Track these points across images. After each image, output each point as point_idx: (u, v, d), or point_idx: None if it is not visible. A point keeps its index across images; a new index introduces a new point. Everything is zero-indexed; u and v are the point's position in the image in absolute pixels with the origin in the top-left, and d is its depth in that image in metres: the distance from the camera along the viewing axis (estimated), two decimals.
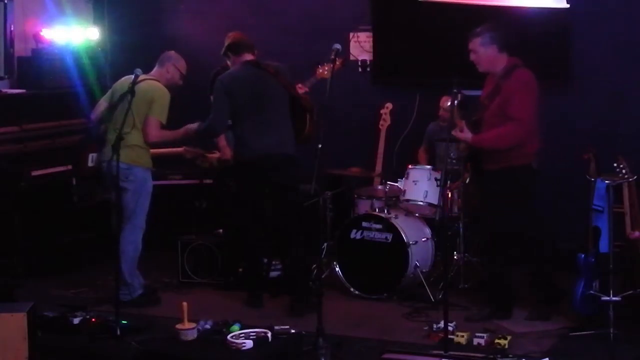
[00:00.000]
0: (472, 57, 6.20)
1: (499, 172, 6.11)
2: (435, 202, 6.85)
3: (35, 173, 7.53)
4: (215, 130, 6.82)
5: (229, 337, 5.31)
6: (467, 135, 6.13)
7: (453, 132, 6.12)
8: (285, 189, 6.60)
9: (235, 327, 5.48)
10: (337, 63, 6.38)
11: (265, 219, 6.76)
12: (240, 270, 7.19)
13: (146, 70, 6.77)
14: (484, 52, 6.14)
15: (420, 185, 6.99)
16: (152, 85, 6.70)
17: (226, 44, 6.79)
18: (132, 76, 6.30)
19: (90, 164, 7.58)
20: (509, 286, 6.36)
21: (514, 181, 6.10)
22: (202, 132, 6.80)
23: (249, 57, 6.71)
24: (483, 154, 6.20)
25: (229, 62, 6.83)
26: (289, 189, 6.60)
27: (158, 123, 6.69)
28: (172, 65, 6.90)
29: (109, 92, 6.97)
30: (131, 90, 6.24)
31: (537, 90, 6.13)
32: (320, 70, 6.91)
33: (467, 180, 6.95)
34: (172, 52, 7.01)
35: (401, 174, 7.23)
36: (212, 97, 6.75)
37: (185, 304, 5.43)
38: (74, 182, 7.81)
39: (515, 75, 6.09)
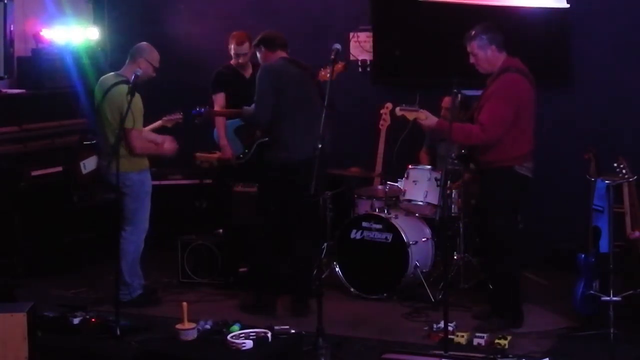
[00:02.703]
0: (471, 59, 6.17)
1: (484, 172, 6.15)
2: (435, 202, 6.86)
3: (35, 173, 7.53)
4: (259, 123, 6.62)
5: (229, 337, 5.30)
6: (430, 121, 6.15)
7: (418, 120, 6.18)
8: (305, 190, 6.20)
9: (235, 327, 5.47)
10: (339, 66, 6.39)
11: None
12: (245, 270, 7.19)
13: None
14: (483, 54, 6.11)
15: (420, 185, 6.99)
16: (123, 94, 6.41)
17: (261, 36, 6.62)
18: (110, 75, 6.50)
19: (84, 171, 7.58)
20: (515, 291, 6.24)
21: (491, 183, 6.09)
22: (246, 120, 6.67)
23: (283, 54, 6.59)
24: (475, 154, 6.20)
25: (259, 55, 6.67)
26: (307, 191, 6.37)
27: (138, 132, 6.61)
28: (145, 60, 6.70)
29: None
30: (131, 91, 6.24)
31: (523, 95, 6.02)
32: (322, 73, 6.92)
33: (467, 179, 6.94)
34: (144, 45, 6.81)
35: (401, 174, 7.22)
36: (257, 86, 6.46)
37: (185, 304, 5.42)
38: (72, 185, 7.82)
39: (499, 80, 6.04)
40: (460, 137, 6.08)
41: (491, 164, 6.07)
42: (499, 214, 6.05)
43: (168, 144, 6.87)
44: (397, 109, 6.24)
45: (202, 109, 7.25)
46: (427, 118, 6.19)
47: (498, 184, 6.07)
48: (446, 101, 7.40)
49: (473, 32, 6.14)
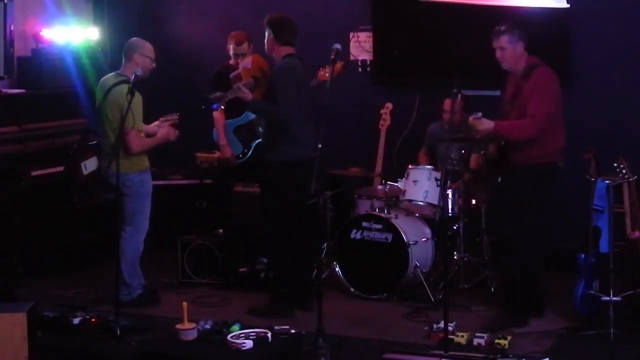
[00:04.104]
0: (498, 54, 6.16)
1: (523, 169, 6.10)
2: (435, 202, 6.85)
3: (35, 173, 7.53)
4: (286, 120, 6.38)
5: (229, 337, 5.30)
6: (488, 124, 6.06)
7: (472, 124, 6.04)
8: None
9: (235, 327, 5.47)
10: (338, 66, 6.38)
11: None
12: (245, 270, 7.20)
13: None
14: (512, 49, 6.11)
15: (420, 185, 6.99)
16: (124, 94, 6.36)
17: (272, 19, 6.52)
18: (110, 75, 6.50)
19: (85, 171, 7.58)
20: (531, 289, 6.25)
21: (530, 178, 6.08)
22: (272, 121, 6.50)
23: (290, 50, 6.55)
24: (510, 153, 6.17)
25: (272, 39, 6.50)
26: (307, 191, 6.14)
27: (137, 132, 6.60)
28: (140, 55, 6.68)
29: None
30: (131, 91, 6.24)
31: (557, 88, 6.13)
32: (322, 73, 6.91)
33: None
34: (134, 40, 6.79)
35: (401, 174, 7.23)
36: (281, 83, 6.39)
37: (185, 304, 5.42)
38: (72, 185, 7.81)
39: (534, 75, 6.08)
40: (516, 134, 6.06)
41: (533, 159, 6.05)
42: (539, 209, 6.09)
43: (163, 132, 6.84)
44: (471, 118, 6.07)
45: (215, 105, 7.10)
46: (481, 124, 6.12)
47: (539, 180, 6.09)
48: (447, 103, 7.40)
49: (503, 27, 6.15)
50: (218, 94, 6.94)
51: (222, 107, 7.15)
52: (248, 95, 6.48)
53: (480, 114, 6.03)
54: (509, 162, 6.19)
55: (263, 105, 6.53)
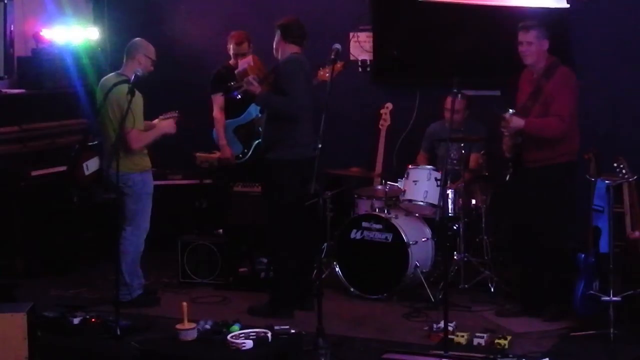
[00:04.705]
0: (523, 48, 6.20)
1: (543, 169, 6.13)
2: (435, 202, 6.85)
3: (35, 173, 7.53)
4: (294, 115, 6.37)
5: (229, 337, 5.30)
6: (519, 122, 6.08)
7: (502, 129, 6.10)
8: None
9: (235, 327, 5.47)
10: (338, 66, 6.38)
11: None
12: (245, 270, 7.20)
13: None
14: (538, 45, 6.17)
15: (420, 185, 6.99)
16: (124, 93, 6.35)
17: (283, 22, 6.55)
18: (111, 75, 6.53)
19: (86, 172, 7.58)
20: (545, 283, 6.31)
21: (557, 178, 6.13)
22: (279, 113, 6.45)
23: (295, 49, 6.53)
24: (527, 152, 6.18)
25: (280, 38, 6.53)
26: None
27: (138, 132, 6.59)
28: (143, 56, 6.70)
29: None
30: (131, 90, 6.24)
31: (577, 88, 6.22)
32: (322, 73, 6.91)
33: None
34: (139, 40, 6.81)
35: (401, 174, 7.23)
36: (290, 77, 6.38)
37: (185, 304, 5.42)
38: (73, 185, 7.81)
39: (558, 74, 6.15)
40: (546, 132, 6.12)
41: (552, 159, 6.11)
42: (564, 208, 6.13)
43: (164, 124, 6.85)
44: (507, 115, 6.10)
45: (236, 92, 7.04)
46: (510, 122, 6.16)
47: (562, 179, 6.14)
48: (448, 102, 7.40)
49: (533, 22, 6.22)
50: (233, 83, 6.96)
51: (240, 96, 7.10)
52: (258, 87, 6.48)
53: (512, 110, 6.09)
54: (523, 160, 6.24)
55: (273, 97, 6.48)
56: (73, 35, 8.40)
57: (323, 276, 6.71)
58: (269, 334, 5.35)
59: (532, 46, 6.17)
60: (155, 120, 6.97)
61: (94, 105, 6.95)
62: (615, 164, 5.92)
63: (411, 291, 6.87)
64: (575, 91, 6.22)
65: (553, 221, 6.19)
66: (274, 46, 6.59)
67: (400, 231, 6.82)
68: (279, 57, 6.55)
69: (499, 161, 6.71)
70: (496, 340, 5.76)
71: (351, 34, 8.28)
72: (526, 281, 6.40)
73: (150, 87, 6.75)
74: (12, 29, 7.72)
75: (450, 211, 6.99)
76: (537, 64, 6.23)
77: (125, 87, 6.41)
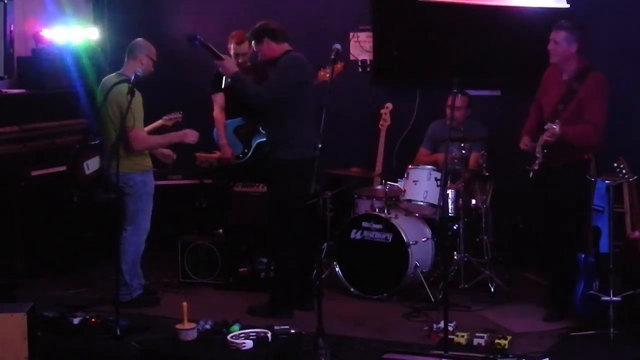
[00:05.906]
0: (551, 46, 6.20)
1: (567, 166, 6.13)
2: (435, 202, 6.86)
3: (35, 173, 7.53)
4: (259, 102, 6.39)
5: (229, 337, 5.30)
6: (556, 128, 6.03)
7: (545, 137, 6.03)
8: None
9: (235, 327, 5.47)
10: (339, 66, 6.38)
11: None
12: (245, 270, 7.20)
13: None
14: (566, 46, 6.16)
15: (420, 185, 6.99)
16: (124, 93, 6.36)
17: (261, 28, 6.47)
18: (112, 75, 6.52)
19: (87, 171, 7.58)
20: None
21: (581, 175, 6.09)
22: (245, 95, 6.39)
23: (287, 47, 6.51)
24: (553, 151, 6.15)
25: (261, 47, 6.46)
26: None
27: (138, 131, 6.58)
28: (146, 56, 6.70)
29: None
30: (131, 90, 6.24)
31: (609, 91, 6.21)
32: (322, 73, 6.90)
33: (467, 179, 6.80)
34: (141, 41, 6.80)
35: (401, 174, 7.23)
36: (281, 70, 6.33)
37: (185, 304, 5.42)
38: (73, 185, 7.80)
39: (591, 79, 6.13)
40: (584, 141, 6.09)
41: (579, 154, 6.08)
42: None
43: (182, 132, 6.85)
44: (553, 125, 6.02)
45: (197, 41, 6.69)
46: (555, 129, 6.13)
47: (581, 176, 6.11)
48: (450, 99, 7.39)
49: (567, 23, 6.22)
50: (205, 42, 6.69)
51: (208, 48, 6.64)
52: (233, 67, 6.43)
53: (558, 121, 6.03)
54: (552, 160, 6.19)
55: (246, 81, 6.42)
56: (73, 35, 8.39)
57: (323, 276, 6.72)
58: (269, 334, 5.35)
59: (558, 46, 6.16)
60: (159, 121, 6.98)
61: (94, 105, 6.94)
62: (615, 164, 5.92)
63: (411, 291, 6.87)
64: (607, 98, 6.18)
65: (578, 222, 6.17)
66: (265, 52, 6.50)
67: (400, 231, 6.82)
68: (275, 57, 6.52)
69: (499, 161, 6.72)
70: (496, 340, 5.76)
71: (351, 34, 8.28)
72: (564, 284, 6.27)
73: (150, 87, 6.76)
74: (12, 29, 7.72)
75: (450, 211, 7.00)
76: (563, 64, 6.21)
77: (125, 87, 6.42)
